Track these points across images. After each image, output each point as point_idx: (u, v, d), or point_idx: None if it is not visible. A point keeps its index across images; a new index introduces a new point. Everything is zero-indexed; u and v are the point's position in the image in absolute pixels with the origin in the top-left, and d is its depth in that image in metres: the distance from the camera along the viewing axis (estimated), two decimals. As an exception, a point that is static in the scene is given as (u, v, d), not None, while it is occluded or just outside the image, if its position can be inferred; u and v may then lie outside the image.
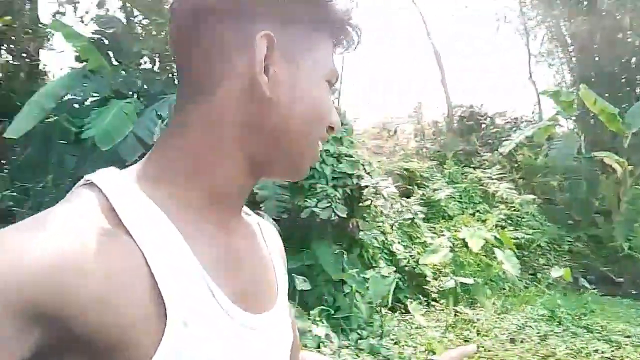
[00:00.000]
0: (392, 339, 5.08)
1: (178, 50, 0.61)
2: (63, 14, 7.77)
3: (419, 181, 10.36)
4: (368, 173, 6.29)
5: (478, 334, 5.59)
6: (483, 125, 14.16)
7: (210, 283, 0.54)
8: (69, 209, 0.50)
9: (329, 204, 5.18)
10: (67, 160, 5.46)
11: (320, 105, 0.63)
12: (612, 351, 5.14)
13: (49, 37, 7.83)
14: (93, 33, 6.20)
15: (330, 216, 5.16)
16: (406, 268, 6.78)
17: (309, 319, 4.40)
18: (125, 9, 6.75)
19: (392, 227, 7.29)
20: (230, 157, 0.60)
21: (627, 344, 5.35)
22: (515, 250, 7.14)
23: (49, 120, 5.38)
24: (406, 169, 10.40)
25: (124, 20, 6.68)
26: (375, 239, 6.41)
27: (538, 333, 5.69)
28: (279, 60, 0.59)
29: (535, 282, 8.29)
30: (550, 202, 10.84)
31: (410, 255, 7.12)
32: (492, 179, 10.72)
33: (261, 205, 4.91)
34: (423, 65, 36.68)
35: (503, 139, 11.35)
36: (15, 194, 5.36)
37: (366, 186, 5.93)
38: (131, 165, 0.60)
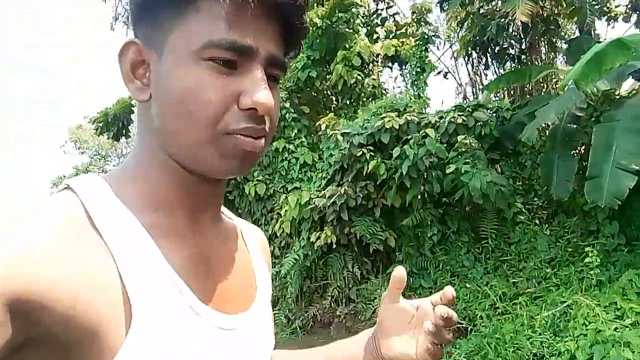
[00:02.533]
0: None
1: None
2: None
3: None
4: None
5: None
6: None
7: (178, 282, 0.55)
8: (45, 212, 0.51)
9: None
10: None
11: (192, 92, 0.54)
12: None
13: None
14: None
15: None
16: None
17: None
18: None
19: None
20: (158, 158, 0.60)
21: None
22: None
23: None
24: None
25: None
26: None
27: None
28: (152, 59, 0.57)
29: None
30: None
31: None
32: None
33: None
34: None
35: None
36: None
37: None
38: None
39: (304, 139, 7.39)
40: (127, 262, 0.51)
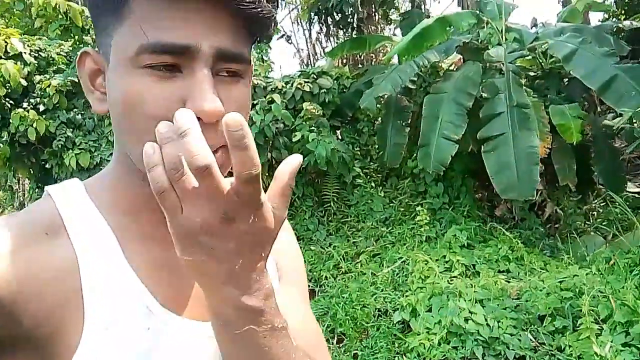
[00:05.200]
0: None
1: None
2: None
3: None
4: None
5: None
6: None
7: (139, 287, 0.55)
8: (20, 217, 0.55)
9: None
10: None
11: (131, 103, 0.50)
12: None
13: None
14: None
15: None
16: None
17: None
18: None
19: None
20: (125, 165, 0.59)
21: None
22: None
23: None
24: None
25: None
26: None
27: None
28: (105, 67, 0.55)
29: None
30: None
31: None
32: None
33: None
34: None
35: None
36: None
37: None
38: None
39: (136, 100, 6.62)
40: (88, 263, 0.53)
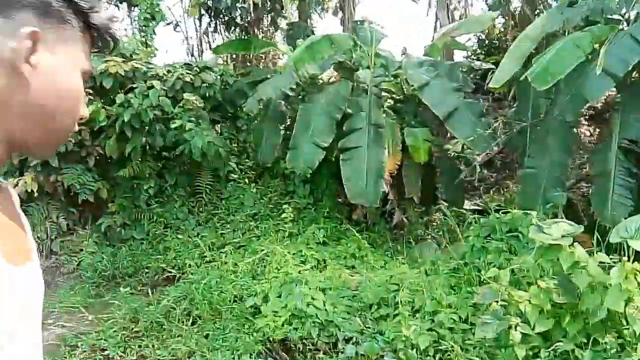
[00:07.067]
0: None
1: None
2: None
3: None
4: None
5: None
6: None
7: None
8: None
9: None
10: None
11: (74, 96, 0.69)
12: None
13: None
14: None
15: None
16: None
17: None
18: None
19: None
20: None
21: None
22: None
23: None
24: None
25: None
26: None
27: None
28: (42, 50, 0.65)
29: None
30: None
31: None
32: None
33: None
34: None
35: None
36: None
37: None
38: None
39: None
40: None
